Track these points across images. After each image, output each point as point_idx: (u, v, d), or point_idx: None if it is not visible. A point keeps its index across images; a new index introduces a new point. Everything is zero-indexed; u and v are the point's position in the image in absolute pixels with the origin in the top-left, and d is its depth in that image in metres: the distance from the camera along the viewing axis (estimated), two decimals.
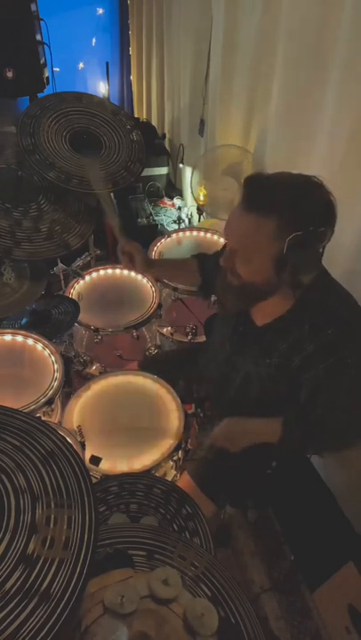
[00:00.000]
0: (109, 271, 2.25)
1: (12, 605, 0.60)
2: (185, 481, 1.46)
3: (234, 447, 1.28)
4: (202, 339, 2.12)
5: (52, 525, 0.69)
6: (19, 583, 0.62)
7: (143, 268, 1.53)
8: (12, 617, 0.59)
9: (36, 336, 1.81)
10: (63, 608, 0.61)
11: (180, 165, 3.60)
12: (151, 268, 1.59)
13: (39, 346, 1.80)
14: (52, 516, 0.70)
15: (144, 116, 4.54)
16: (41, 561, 0.65)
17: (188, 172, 3.53)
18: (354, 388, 1.14)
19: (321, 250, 1.08)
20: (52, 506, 0.72)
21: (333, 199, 1.03)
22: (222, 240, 2.33)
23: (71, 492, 0.74)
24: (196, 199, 2.74)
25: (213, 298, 1.89)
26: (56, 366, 1.73)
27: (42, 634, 0.58)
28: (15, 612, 0.59)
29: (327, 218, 1.03)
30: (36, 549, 0.66)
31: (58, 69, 3.75)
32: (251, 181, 1.05)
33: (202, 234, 2.41)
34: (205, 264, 1.57)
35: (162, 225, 3.35)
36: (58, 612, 0.60)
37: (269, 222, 1.01)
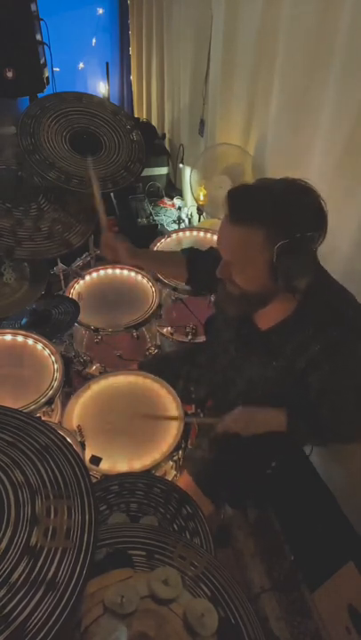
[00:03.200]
0: (109, 271, 2.25)
1: (19, 596, 0.61)
2: (184, 480, 1.46)
3: (245, 432, 1.31)
4: (202, 339, 2.12)
5: (52, 516, 0.70)
6: (25, 574, 0.64)
7: (128, 257, 1.51)
8: (20, 607, 0.61)
9: (36, 336, 1.81)
10: (70, 595, 0.62)
11: (180, 165, 3.60)
12: (136, 257, 1.56)
13: (39, 346, 1.80)
14: (52, 508, 0.71)
15: (144, 116, 4.53)
16: (45, 551, 0.66)
17: (188, 172, 3.52)
18: (359, 387, 1.14)
19: (314, 252, 1.08)
20: (51, 497, 0.73)
21: (322, 202, 1.03)
22: None
23: (69, 482, 0.75)
24: (196, 199, 2.74)
25: (212, 297, 1.88)
26: (56, 366, 1.73)
27: (51, 621, 0.60)
28: (24, 603, 0.61)
29: (315, 222, 1.03)
30: (39, 540, 0.67)
31: (58, 69, 3.75)
32: (234, 194, 1.05)
33: (202, 234, 2.41)
34: (195, 261, 1.56)
35: (162, 225, 3.35)
36: (65, 599, 0.62)
37: (257, 233, 1.02)
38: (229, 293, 1.16)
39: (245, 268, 1.09)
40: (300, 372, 1.17)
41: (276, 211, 1.00)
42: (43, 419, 1.44)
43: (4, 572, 0.63)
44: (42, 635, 0.58)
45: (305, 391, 1.19)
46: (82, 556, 0.66)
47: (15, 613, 0.60)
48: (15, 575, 0.63)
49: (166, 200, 3.71)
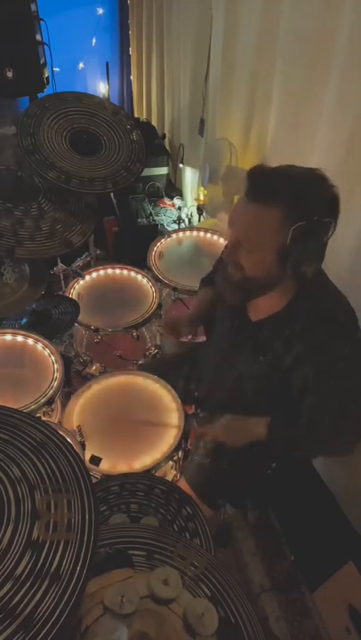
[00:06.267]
0: (109, 271, 2.25)
1: (25, 589, 0.63)
2: (182, 487, 1.46)
3: (232, 443, 1.31)
4: (202, 339, 2.12)
5: (52, 510, 0.71)
6: (28, 568, 0.65)
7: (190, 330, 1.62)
8: (26, 600, 0.62)
9: (35, 336, 1.81)
10: (74, 586, 0.63)
11: (180, 165, 3.60)
12: (195, 324, 1.64)
13: (39, 346, 1.80)
14: (52, 502, 0.72)
15: (144, 116, 4.53)
16: (47, 545, 0.67)
17: (188, 172, 3.52)
18: (343, 391, 1.13)
19: (325, 242, 1.07)
20: (50, 492, 0.73)
21: (337, 191, 1.03)
22: (222, 240, 2.33)
23: (67, 476, 0.76)
24: (196, 199, 2.73)
25: None
26: (56, 366, 1.73)
27: (57, 612, 0.61)
28: (29, 595, 0.62)
29: (331, 209, 1.03)
30: (41, 534, 0.68)
31: (58, 69, 3.75)
32: (255, 172, 1.04)
33: (202, 234, 2.41)
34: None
35: (162, 225, 3.35)
36: (70, 590, 0.63)
37: (274, 213, 1.01)
38: (229, 278, 1.15)
39: (255, 249, 1.07)
40: (287, 370, 1.16)
41: (294, 193, 0.99)
42: (43, 419, 1.44)
43: (9, 566, 0.64)
44: (49, 625, 0.60)
45: (290, 390, 1.18)
46: (84, 546, 0.68)
47: (21, 606, 0.61)
48: (19, 569, 0.64)
49: (166, 200, 3.70)
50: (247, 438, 1.29)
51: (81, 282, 2.19)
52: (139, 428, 1.54)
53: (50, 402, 1.62)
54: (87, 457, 1.40)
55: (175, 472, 1.57)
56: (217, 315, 1.46)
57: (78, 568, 0.65)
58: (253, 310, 1.25)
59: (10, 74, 3.10)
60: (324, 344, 1.09)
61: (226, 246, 1.16)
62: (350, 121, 1.51)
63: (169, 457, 1.46)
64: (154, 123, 4.21)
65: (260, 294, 1.16)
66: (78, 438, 1.45)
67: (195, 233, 2.42)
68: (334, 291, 1.17)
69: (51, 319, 1.99)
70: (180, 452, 1.52)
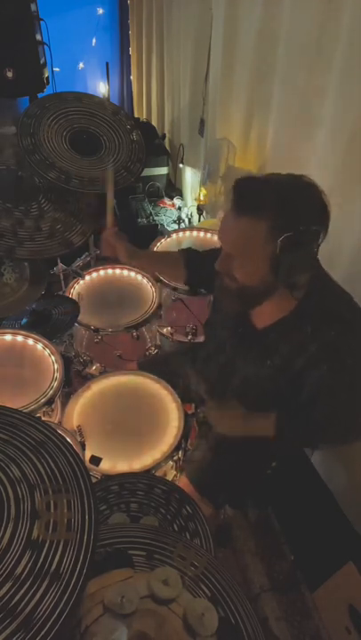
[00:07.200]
0: (109, 271, 2.25)
1: (25, 588, 0.63)
2: (183, 484, 1.46)
3: (230, 433, 1.31)
4: (202, 339, 2.12)
5: (52, 510, 0.71)
6: (29, 567, 0.65)
7: (126, 257, 1.53)
8: (27, 599, 0.62)
9: (36, 336, 1.81)
10: (74, 585, 0.64)
11: (180, 165, 3.60)
12: (134, 258, 1.58)
13: (39, 346, 1.80)
14: (52, 502, 0.72)
15: (144, 116, 4.53)
16: (47, 544, 0.67)
17: (188, 172, 3.52)
18: (354, 388, 1.14)
19: (316, 249, 1.08)
20: (50, 492, 0.74)
21: (325, 198, 1.03)
22: None
23: (66, 476, 0.76)
24: (196, 198, 2.74)
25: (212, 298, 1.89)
26: (56, 366, 1.73)
27: (57, 612, 0.61)
28: (29, 594, 0.63)
29: (319, 217, 1.03)
30: (41, 534, 0.68)
31: (58, 69, 3.75)
32: (240, 185, 1.05)
33: (202, 234, 2.41)
34: (193, 259, 1.56)
35: (162, 225, 3.35)
36: (70, 589, 0.64)
37: (261, 224, 1.01)
38: (227, 288, 1.15)
39: (246, 261, 1.07)
40: (298, 372, 1.16)
41: (281, 203, 0.99)
42: (43, 419, 1.45)
43: (9, 566, 0.65)
44: (49, 625, 0.60)
45: (298, 391, 1.19)
46: (84, 546, 0.68)
47: (21, 606, 0.61)
48: (19, 569, 0.64)
49: (166, 200, 3.70)
50: (247, 431, 1.29)
51: (81, 282, 2.19)
52: (139, 428, 1.54)
53: (50, 402, 1.62)
54: (87, 457, 1.40)
55: (175, 472, 1.57)
56: (214, 317, 1.46)
57: (78, 568, 0.65)
58: (258, 317, 1.24)
59: (10, 74, 3.10)
60: (332, 343, 1.10)
61: (214, 251, 1.16)
62: (350, 121, 1.51)
63: (169, 457, 1.46)
64: (154, 123, 4.21)
65: (259, 302, 1.17)
66: (78, 438, 1.45)
67: (195, 233, 2.42)
68: (338, 289, 1.18)
69: (51, 319, 1.99)
70: (180, 452, 1.52)
